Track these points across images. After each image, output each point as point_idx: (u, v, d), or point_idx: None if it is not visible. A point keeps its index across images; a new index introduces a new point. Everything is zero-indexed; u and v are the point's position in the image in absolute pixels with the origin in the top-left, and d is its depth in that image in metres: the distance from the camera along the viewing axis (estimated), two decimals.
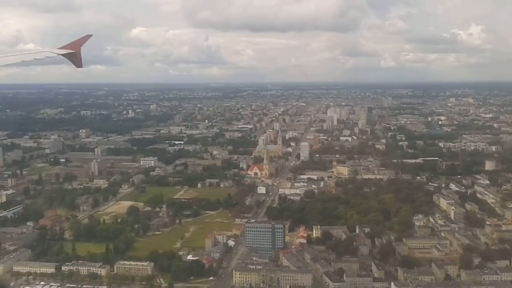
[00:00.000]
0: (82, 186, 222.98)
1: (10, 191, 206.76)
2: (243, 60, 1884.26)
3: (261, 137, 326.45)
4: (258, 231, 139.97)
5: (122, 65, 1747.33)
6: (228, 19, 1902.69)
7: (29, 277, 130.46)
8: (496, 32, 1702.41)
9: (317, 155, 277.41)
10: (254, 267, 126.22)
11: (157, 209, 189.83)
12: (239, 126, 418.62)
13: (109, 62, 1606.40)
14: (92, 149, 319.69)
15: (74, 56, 36.14)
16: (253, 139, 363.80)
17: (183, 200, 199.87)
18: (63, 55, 35.49)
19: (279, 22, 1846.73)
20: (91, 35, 39.10)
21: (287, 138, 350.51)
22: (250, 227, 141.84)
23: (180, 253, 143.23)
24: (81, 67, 37.25)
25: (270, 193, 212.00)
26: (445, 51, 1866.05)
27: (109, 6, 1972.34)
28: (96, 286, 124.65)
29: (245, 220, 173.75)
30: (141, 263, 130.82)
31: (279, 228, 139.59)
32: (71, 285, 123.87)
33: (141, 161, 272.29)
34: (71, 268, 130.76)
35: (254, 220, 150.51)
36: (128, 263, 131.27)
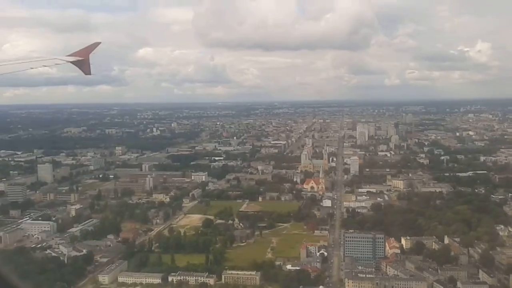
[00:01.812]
0: (144, 201, 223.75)
1: (78, 206, 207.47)
2: (248, 79, 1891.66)
3: (303, 153, 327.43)
4: (358, 241, 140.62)
5: (128, 85, 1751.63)
6: (240, 38, 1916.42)
7: (136, 287, 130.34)
8: (503, 49, 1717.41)
9: (367, 169, 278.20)
10: (364, 275, 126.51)
11: (230, 221, 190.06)
12: (272, 142, 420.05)
13: (116, 82, 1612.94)
14: (135, 165, 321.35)
15: (82, 63, 36.14)
16: (289, 154, 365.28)
17: (252, 213, 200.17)
18: (71, 62, 35.51)
19: (291, 41, 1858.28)
20: (99, 43, 39.12)
21: (323, 153, 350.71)
22: (350, 238, 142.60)
23: (277, 263, 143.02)
24: (90, 74, 37.11)
25: (335, 206, 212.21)
26: (452, 68, 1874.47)
27: (121, 27, 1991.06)
28: None
29: (324, 231, 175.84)
30: (249, 273, 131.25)
31: (380, 238, 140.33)
32: None
33: (192, 176, 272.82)
34: (179, 278, 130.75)
35: (352, 231, 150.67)
36: (236, 272, 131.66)
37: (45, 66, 34.14)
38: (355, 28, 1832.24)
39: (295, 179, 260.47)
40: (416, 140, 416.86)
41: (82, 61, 36.02)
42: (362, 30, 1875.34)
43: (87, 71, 36.68)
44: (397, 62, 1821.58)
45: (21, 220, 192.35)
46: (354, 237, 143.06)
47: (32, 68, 32.54)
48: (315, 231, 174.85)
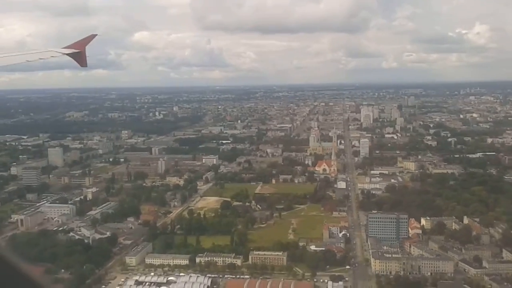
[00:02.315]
0: (159, 184, 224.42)
1: (94, 189, 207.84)
2: (245, 63, 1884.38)
3: (311, 135, 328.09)
4: (382, 221, 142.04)
5: (124, 69, 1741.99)
6: (238, 21, 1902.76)
7: (164, 268, 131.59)
8: (501, 31, 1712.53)
9: (376, 152, 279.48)
10: (390, 255, 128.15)
11: (247, 203, 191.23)
12: (278, 126, 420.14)
13: (112, 66, 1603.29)
14: (143, 149, 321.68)
15: (79, 56, 35.88)
16: (296, 137, 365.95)
17: (268, 195, 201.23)
18: (68, 54, 35.26)
19: (289, 23, 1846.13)
20: (96, 35, 38.91)
21: (331, 135, 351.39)
22: (374, 218, 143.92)
23: (300, 244, 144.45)
24: (86, 66, 36.80)
25: (349, 188, 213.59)
26: (450, 50, 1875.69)
27: (118, 10, 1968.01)
28: (238, 276, 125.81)
29: (343, 213, 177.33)
30: (276, 253, 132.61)
31: (404, 219, 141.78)
32: (212, 275, 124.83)
33: (203, 159, 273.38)
34: (206, 259, 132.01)
35: (376, 212, 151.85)
36: (263, 253, 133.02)
37: (41, 58, 33.27)
38: (354, 11, 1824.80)
39: (306, 162, 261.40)
40: (421, 123, 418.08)
41: (78, 53, 35.74)
42: (361, 13, 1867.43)
43: (83, 64, 36.37)
44: (395, 45, 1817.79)
45: (39, 204, 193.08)
46: (378, 218, 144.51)
47: (28, 60, 31.98)
48: (333, 213, 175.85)
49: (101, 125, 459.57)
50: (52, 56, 34.49)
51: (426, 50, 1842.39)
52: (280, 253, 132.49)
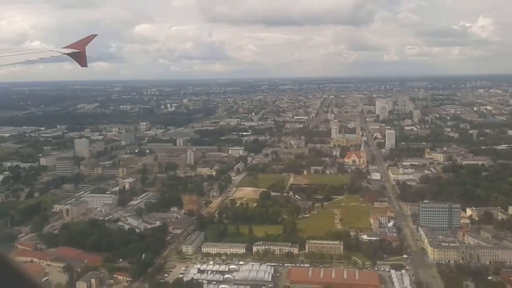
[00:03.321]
0: (191, 174, 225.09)
1: (130, 180, 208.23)
2: (247, 56, 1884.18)
3: (332, 127, 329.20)
4: (434, 211, 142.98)
5: (125, 62, 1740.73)
6: (243, 13, 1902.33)
7: (221, 257, 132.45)
8: (504, 25, 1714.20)
9: (402, 143, 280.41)
10: (447, 244, 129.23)
11: (285, 193, 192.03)
12: (294, 118, 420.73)
13: (113, 59, 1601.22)
14: (166, 140, 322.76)
15: (78, 55, 36.03)
16: (315, 129, 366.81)
17: (304, 185, 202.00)
18: (67, 54, 35.36)
19: (295, 16, 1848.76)
20: (96, 35, 39.03)
21: (350, 127, 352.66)
22: (426, 208, 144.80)
23: (351, 233, 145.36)
24: (86, 66, 37.16)
25: (383, 179, 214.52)
26: (454, 44, 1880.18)
27: (121, 2, 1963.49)
28: (298, 265, 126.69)
29: (384, 203, 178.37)
30: (332, 242, 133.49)
31: (456, 209, 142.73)
32: (272, 264, 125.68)
33: (229, 151, 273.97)
34: (263, 248, 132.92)
35: (427, 201, 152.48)
36: (319, 242, 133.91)
37: (41, 58, 33.69)
38: (359, 3, 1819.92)
39: (334, 153, 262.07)
40: (437, 115, 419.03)
41: (78, 53, 35.89)
42: (366, 5, 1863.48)
43: (83, 63, 36.62)
44: (399, 38, 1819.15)
45: (77, 194, 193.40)
46: (430, 207, 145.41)
47: (28, 60, 32.34)
48: (375, 203, 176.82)
49: (115, 117, 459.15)
50: (52, 56, 34.60)
51: (430, 43, 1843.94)
52: (337, 242, 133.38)
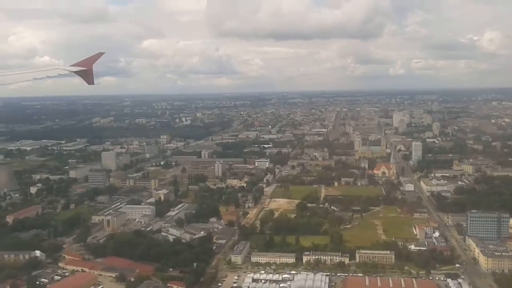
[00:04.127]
0: (222, 186, 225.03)
1: (165, 191, 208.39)
2: (252, 70, 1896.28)
3: (356, 139, 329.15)
4: (483, 221, 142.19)
5: (133, 77, 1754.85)
6: (253, 28, 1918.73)
7: (271, 266, 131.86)
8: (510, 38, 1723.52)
9: (429, 155, 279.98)
10: (500, 253, 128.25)
11: (320, 205, 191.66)
12: (313, 130, 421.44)
13: (121, 73, 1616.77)
14: (190, 153, 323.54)
15: (85, 73, 36.25)
16: (336, 141, 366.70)
17: (340, 197, 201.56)
18: (75, 72, 35.68)
19: (304, 30, 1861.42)
20: (103, 53, 39.29)
21: (371, 140, 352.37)
22: (474, 218, 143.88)
23: (399, 243, 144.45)
24: (93, 84, 36.93)
25: (417, 190, 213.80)
26: (462, 57, 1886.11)
27: (131, 18, 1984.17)
28: (350, 274, 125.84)
29: (424, 214, 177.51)
30: (383, 252, 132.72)
31: (505, 218, 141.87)
32: (324, 273, 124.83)
33: (255, 163, 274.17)
34: (314, 257, 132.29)
35: (475, 211, 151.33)
36: (370, 252, 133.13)
37: (49, 76, 34.07)
38: (369, 17, 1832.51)
39: (361, 165, 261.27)
40: (455, 127, 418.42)
41: (85, 71, 36.28)
42: (375, 19, 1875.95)
43: (90, 81, 36.73)
44: (405, 51, 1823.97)
45: (113, 205, 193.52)
46: (479, 217, 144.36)
47: (35, 78, 32.48)
48: (414, 214, 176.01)
49: (132, 131, 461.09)
50: (59, 74, 34.88)
51: (437, 56, 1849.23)
52: (388, 252, 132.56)
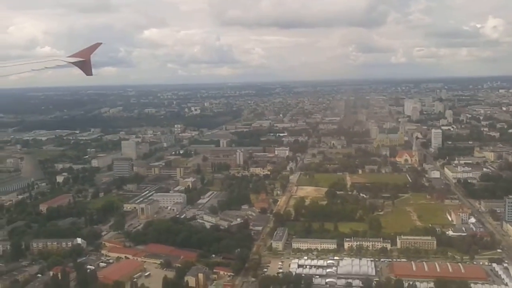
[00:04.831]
0: (247, 174, 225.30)
1: (191, 179, 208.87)
2: (254, 59, 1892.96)
3: (372, 128, 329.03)
4: None
5: (134, 67, 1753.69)
6: (256, 16, 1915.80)
7: (312, 252, 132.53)
8: None
9: (448, 142, 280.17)
10: None
11: (349, 192, 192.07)
12: (327, 119, 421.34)
13: (122, 63, 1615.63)
14: (207, 142, 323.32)
15: (84, 64, 36.11)
16: (351, 129, 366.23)
17: (368, 184, 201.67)
18: (73, 63, 35.47)
19: (308, 18, 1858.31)
20: (101, 43, 38.98)
21: (386, 128, 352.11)
22: None
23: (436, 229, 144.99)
24: (91, 74, 36.97)
25: (442, 177, 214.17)
26: (464, 45, 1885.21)
27: (136, 7, 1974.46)
28: (394, 260, 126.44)
29: (455, 200, 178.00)
30: (425, 238, 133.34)
31: None
32: (368, 259, 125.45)
33: (275, 151, 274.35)
34: (356, 243, 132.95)
35: None
36: (412, 238, 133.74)
37: (47, 67, 33.95)
38: (372, 5, 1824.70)
39: (383, 152, 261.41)
40: (468, 115, 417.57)
41: (83, 62, 36.10)
42: (378, 7, 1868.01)
43: (88, 72, 36.71)
44: (409, 39, 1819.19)
45: (143, 193, 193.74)
46: None
47: (33, 69, 32.31)
48: (445, 201, 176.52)
49: (143, 120, 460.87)
50: (57, 65, 34.85)
51: (440, 44, 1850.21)
52: (429, 238, 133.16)
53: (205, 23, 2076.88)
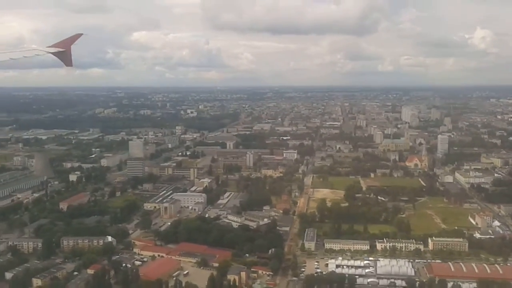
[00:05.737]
0: (260, 176, 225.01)
1: (207, 180, 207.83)
2: (242, 64, 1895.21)
3: (376, 133, 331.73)
4: None
5: (122, 69, 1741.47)
6: (249, 21, 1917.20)
7: (345, 253, 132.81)
8: (503, 36, 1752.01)
9: (455, 148, 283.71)
10: None
11: (367, 195, 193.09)
12: (327, 124, 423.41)
13: (109, 65, 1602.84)
14: (212, 143, 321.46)
15: (64, 55, 35.50)
16: (353, 134, 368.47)
17: (385, 188, 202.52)
18: (52, 53, 34.82)
19: (301, 25, 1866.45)
20: (81, 34, 38.44)
21: (387, 133, 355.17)
22: None
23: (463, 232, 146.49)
24: (71, 66, 36.56)
25: (455, 182, 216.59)
26: (453, 54, 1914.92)
27: (130, 9, 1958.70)
28: (428, 261, 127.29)
29: (474, 204, 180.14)
30: (457, 240, 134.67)
31: None
32: (403, 260, 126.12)
33: (284, 154, 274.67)
34: (389, 244, 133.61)
35: None
36: (444, 239, 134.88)
37: (26, 56, 33.60)
38: (365, 13, 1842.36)
39: (391, 157, 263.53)
40: (466, 123, 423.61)
41: (63, 53, 35.47)
42: (371, 16, 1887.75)
43: (68, 63, 36.17)
44: (398, 48, 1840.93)
45: (161, 193, 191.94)
46: None
47: (11, 58, 31.95)
48: (464, 204, 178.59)
49: (140, 122, 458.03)
50: (36, 55, 34.50)
51: (428, 53, 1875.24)
52: (461, 240, 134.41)
53: (198, 27, 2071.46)
